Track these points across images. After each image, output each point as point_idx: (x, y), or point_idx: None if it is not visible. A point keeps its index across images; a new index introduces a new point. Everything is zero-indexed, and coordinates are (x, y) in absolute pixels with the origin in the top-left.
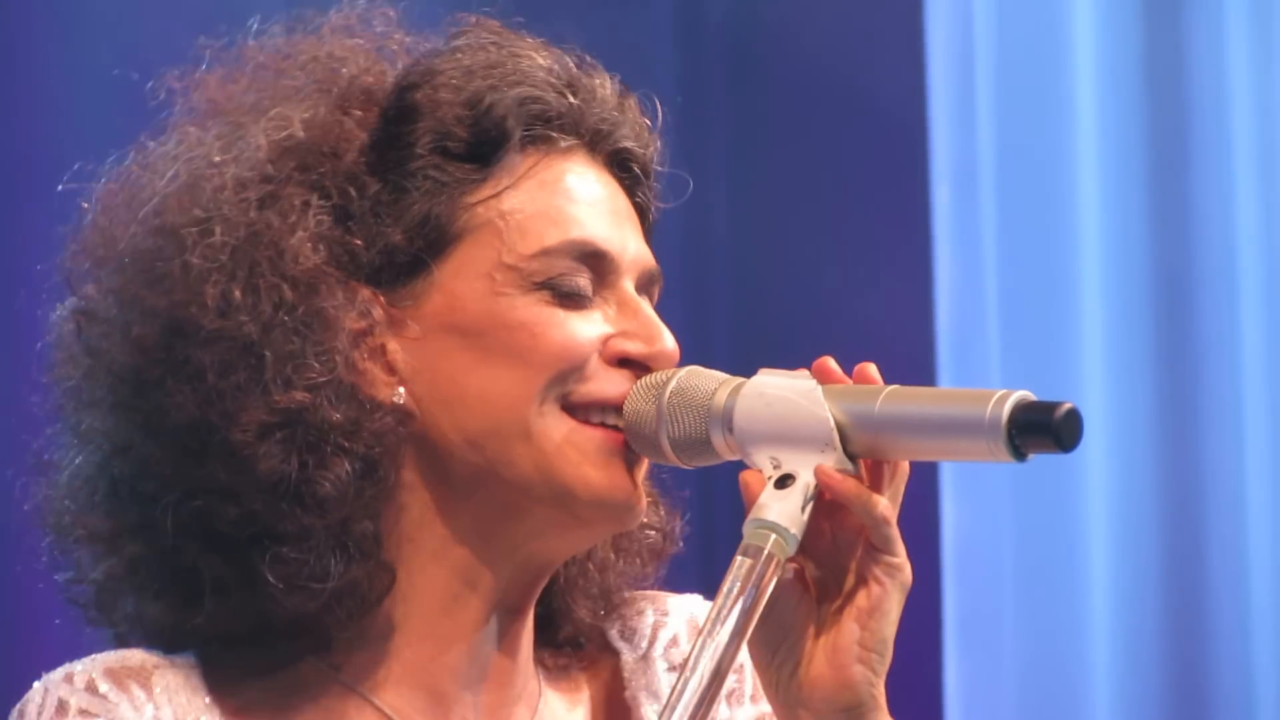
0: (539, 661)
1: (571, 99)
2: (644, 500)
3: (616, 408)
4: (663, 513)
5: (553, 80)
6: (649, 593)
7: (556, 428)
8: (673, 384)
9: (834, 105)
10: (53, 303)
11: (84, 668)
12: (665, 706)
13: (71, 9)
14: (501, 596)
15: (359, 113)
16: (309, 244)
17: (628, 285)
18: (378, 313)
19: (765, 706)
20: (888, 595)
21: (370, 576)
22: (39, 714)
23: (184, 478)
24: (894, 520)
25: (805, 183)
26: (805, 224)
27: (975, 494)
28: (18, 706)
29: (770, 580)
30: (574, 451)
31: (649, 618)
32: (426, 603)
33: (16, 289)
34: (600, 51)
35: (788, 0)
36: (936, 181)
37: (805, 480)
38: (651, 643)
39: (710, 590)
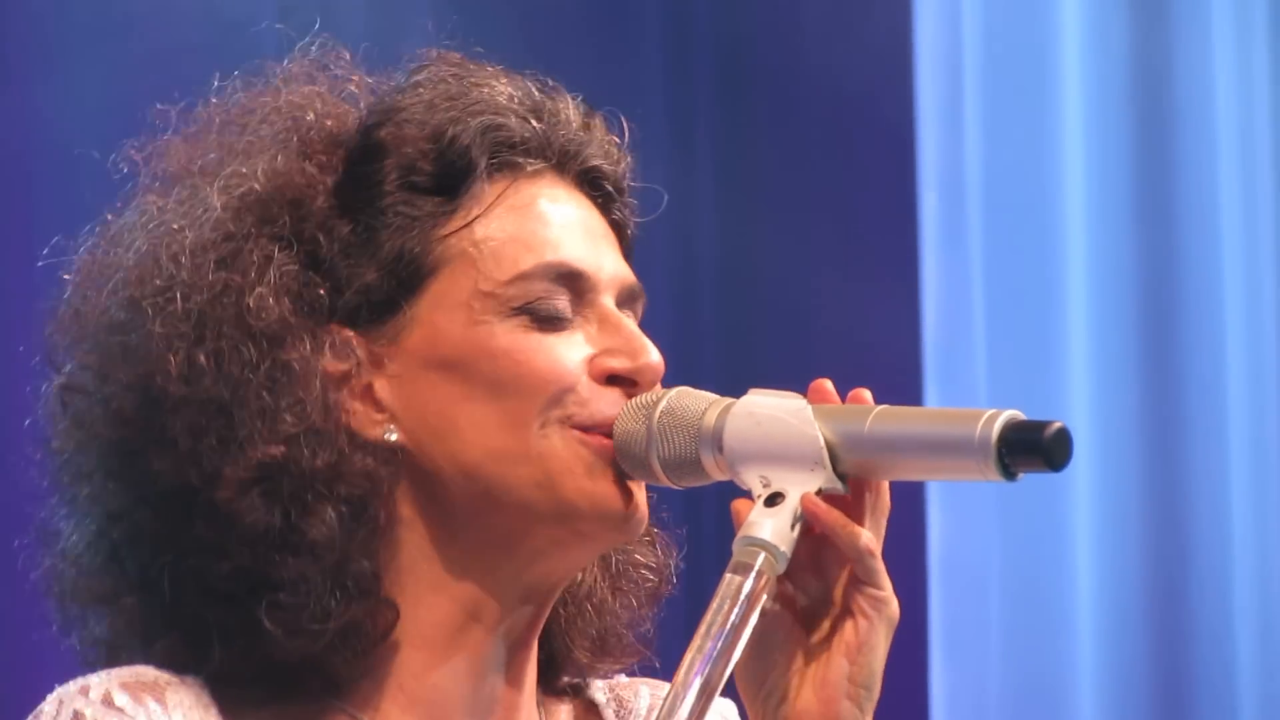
0: (541, 705)
1: (535, 123)
2: (645, 510)
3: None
4: (659, 553)
5: (514, 106)
6: (648, 680)
7: (564, 445)
8: (663, 404)
9: (822, 113)
10: (39, 379)
11: (100, 680)
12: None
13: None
14: (506, 627)
15: (323, 157)
16: (270, 298)
17: (607, 302)
18: (360, 353)
19: None
20: (874, 630)
21: (372, 614)
22: None
23: (175, 539)
24: (878, 553)
25: (793, 191)
26: (793, 232)
27: (961, 507)
28: (33, 714)
29: (760, 597)
30: (580, 466)
31: (644, 698)
32: (430, 635)
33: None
34: (588, 62)
35: (776, 7)
36: (924, 189)
37: (795, 499)
38: (644, 717)
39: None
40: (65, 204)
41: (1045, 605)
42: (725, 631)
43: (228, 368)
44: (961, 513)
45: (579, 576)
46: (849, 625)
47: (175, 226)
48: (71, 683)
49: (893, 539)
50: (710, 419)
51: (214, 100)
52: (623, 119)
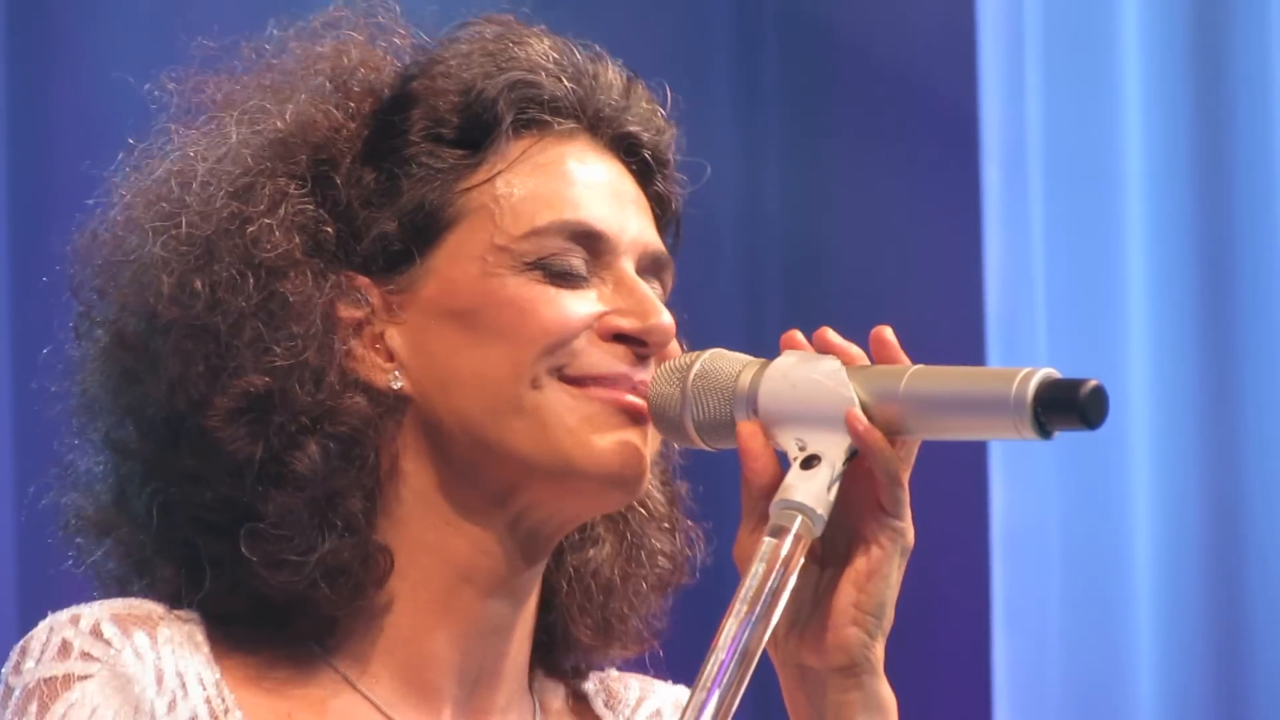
0: (535, 683)
1: (569, 83)
2: (647, 473)
3: (615, 386)
4: (678, 541)
5: (549, 65)
6: (639, 675)
7: (557, 399)
8: (697, 366)
9: (886, 88)
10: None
11: (92, 611)
12: (694, 687)
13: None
14: (497, 591)
15: (353, 105)
16: (279, 231)
17: (626, 265)
18: (375, 301)
19: None
20: (887, 559)
21: (362, 556)
22: (42, 651)
23: (164, 468)
24: (905, 484)
25: (857, 165)
26: (857, 206)
27: (1023, 476)
28: (20, 643)
29: (797, 561)
30: (574, 419)
31: (634, 691)
32: (421, 596)
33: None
34: (656, 35)
35: None
36: (987, 162)
37: (831, 461)
38: (635, 710)
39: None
40: (97, 133)
41: (1104, 572)
42: (764, 596)
43: (223, 294)
44: (1024, 482)
45: (588, 554)
46: (861, 553)
47: (192, 154)
48: (64, 611)
49: (956, 508)
50: (745, 381)
51: (257, 40)
52: (667, 89)
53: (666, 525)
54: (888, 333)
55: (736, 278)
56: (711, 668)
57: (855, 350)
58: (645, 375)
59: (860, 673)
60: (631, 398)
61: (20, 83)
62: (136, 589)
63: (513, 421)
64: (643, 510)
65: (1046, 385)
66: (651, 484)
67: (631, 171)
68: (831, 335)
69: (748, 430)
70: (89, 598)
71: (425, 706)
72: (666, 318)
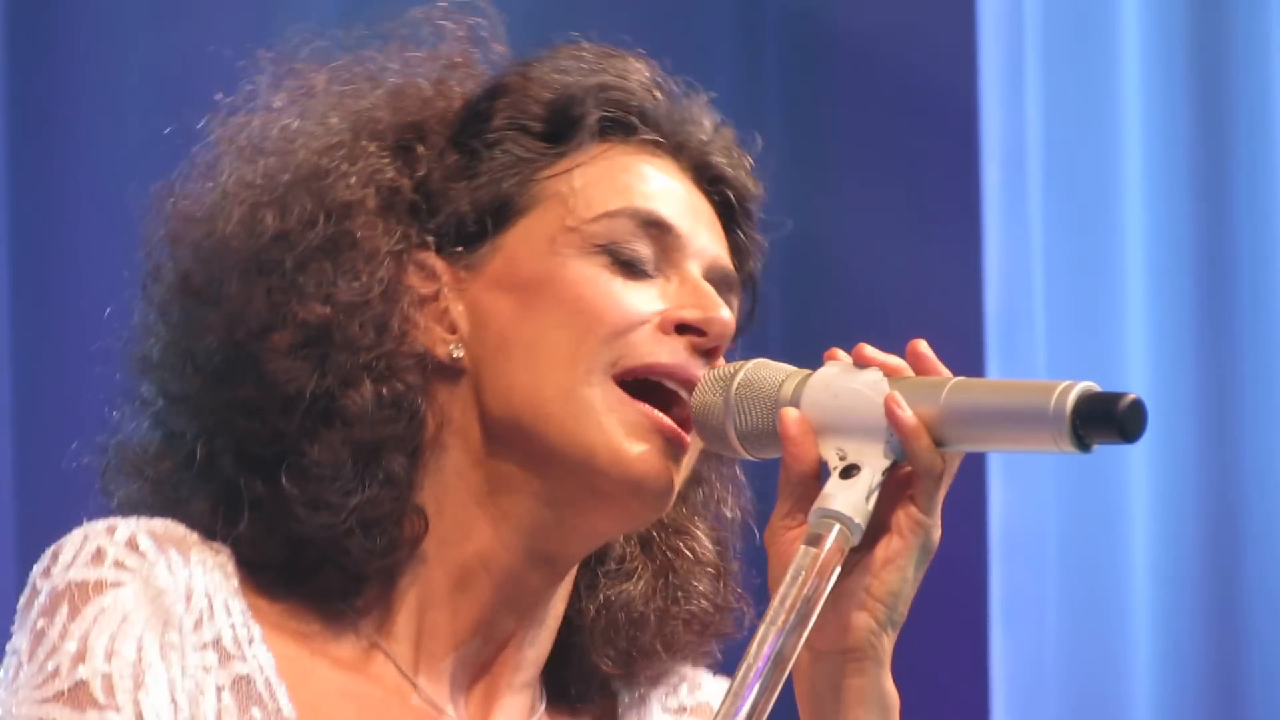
0: (544, 692)
1: (660, 97)
2: (672, 493)
3: (671, 378)
4: (721, 587)
5: (643, 79)
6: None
7: (603, 399)
8: (740, 376)
9: (887, 87)
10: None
11: (128, 524)
12: (727, 694)
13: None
14: (510, 586)
15: (445, 87)
16: (354, 179)
17: (692, 267)
18: (445, 277)
19: None
20: (907, 550)
21: (398, 513)
22: (74, 557)
23: (215, 399)
24: (940, 480)
25: (858, 164)
26: (857, 205)
27: (1021, 479)
28: (51, 548)
29: (833, 569)
30: (611, 420)
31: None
32: (439, 571)
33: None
34: (657, 30)
35: None
36: (987, 162)
37: (870, 471)
38: (651, 687)
39: None
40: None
41: (1103, 576)
42: (799, 604)
43: (292, 225)
44: (1021, 486)
45: (621, 586)
46: (882, 542)
47: (277, 112)
48: (100, 520)
49: (955, 512)
50: (787, 391)
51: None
52: (758, 137)
53: (712, 571)
54: (923, 346)
55: None
56: (745, 674)
57: (896, 362)
58: (701, 370)
59: (864, 659)
60: (674, 425)
61: (21, 79)
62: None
63: (551, 406)
64: (689, 553)
65: (1085, 398)
66: (699, 528)
67: (710, 201)
68: (870, 350)
69: (790, 415)
70: None
71: (437, 676)
72: (726, 313)
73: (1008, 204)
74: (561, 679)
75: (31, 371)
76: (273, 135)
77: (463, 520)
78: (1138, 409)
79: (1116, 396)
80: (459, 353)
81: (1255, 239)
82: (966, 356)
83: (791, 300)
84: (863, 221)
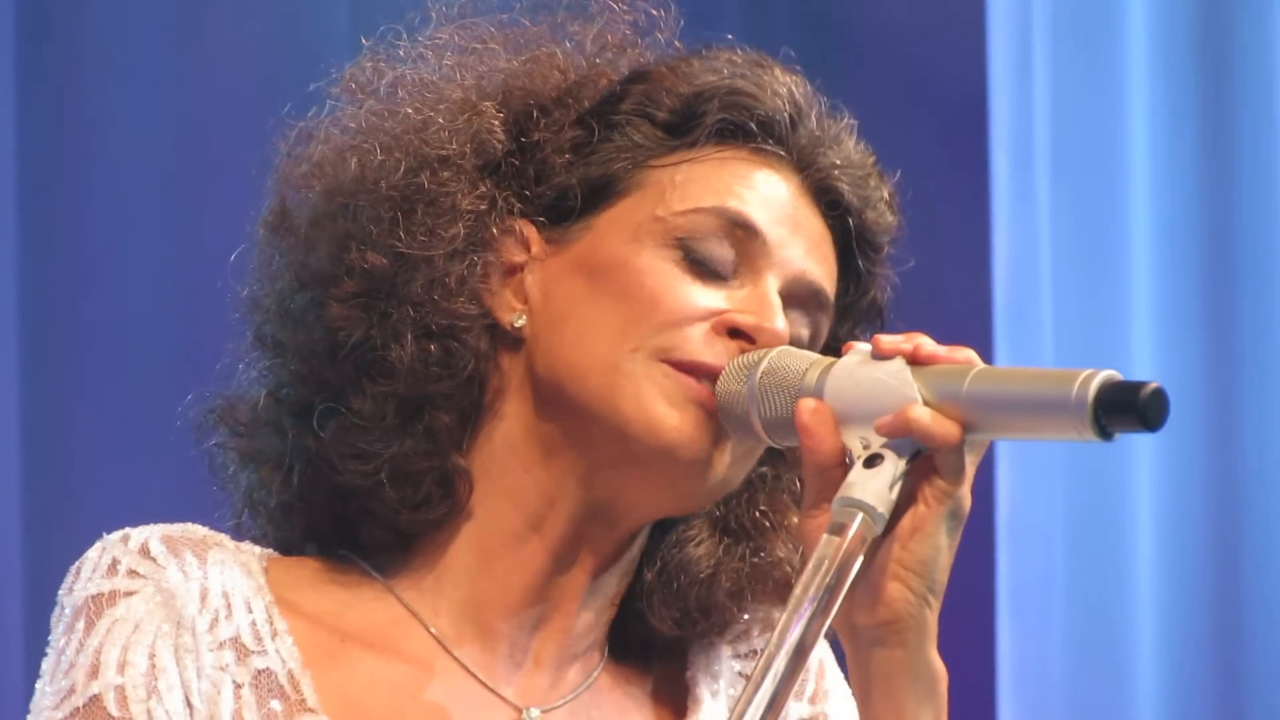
0: (607, 656)
1: (788, 109)
2: (709, 464)
3: (712, 379)
4: (800, 551)
5: (780, 90)
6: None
7: (643, 369)
8: (764, 364)
9: (895, 76)
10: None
11: (142, 532)
12: (749, 681)
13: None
14: (565, 548)
15: (584, 63)
16: (452, 134)
17: (770, 281)
18: (535, 249)
19: (822, 708)
20: (932, 518)
21: (440, 471)
22: (93, 571)
23: (279, 345)
24: (961, 445)
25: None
26: None
27: (1028, 466)
28: (76, 563)
29: (856, 558)
30: (648, 389)
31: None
32: (488, 536)
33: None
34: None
35: None
36: (995, 149)
37: (894, 460)
38: (720, 632)
39: None
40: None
41: (1108, 562)
42: (821, 593)
43: (369, 172)
44: (1028, 474)
45: (684, 551)
46: (909, 512)
47: (408, 70)
48: (117, 532)
49: None
50: (811, 379)
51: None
52: (898, 178)
53: (789, 537)
54: (927, 345)
55: None
56: (765, 662)
57: (912, 343)
58: None
59: (903, 631)
60: (713, 396)
61: (31, 77)
62: (238, 485)
63: (591, 375)
64: (765, 522)
65: (1107, 387)
66: (775, 501)
67: (829, 227)
68: (886, 340)
69: (806, 406)
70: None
71: (483, 644)
72: (781, 324)
73: (1016, 193)
74: (624, 642)
75: (39, 368)
76: (392, 84)
77: (511, 488)
78: (1159, 398)
79: (1138, 385)
80: (520, 322)
81: (1260, 224)
82: (975, 345)
83: None
84: None
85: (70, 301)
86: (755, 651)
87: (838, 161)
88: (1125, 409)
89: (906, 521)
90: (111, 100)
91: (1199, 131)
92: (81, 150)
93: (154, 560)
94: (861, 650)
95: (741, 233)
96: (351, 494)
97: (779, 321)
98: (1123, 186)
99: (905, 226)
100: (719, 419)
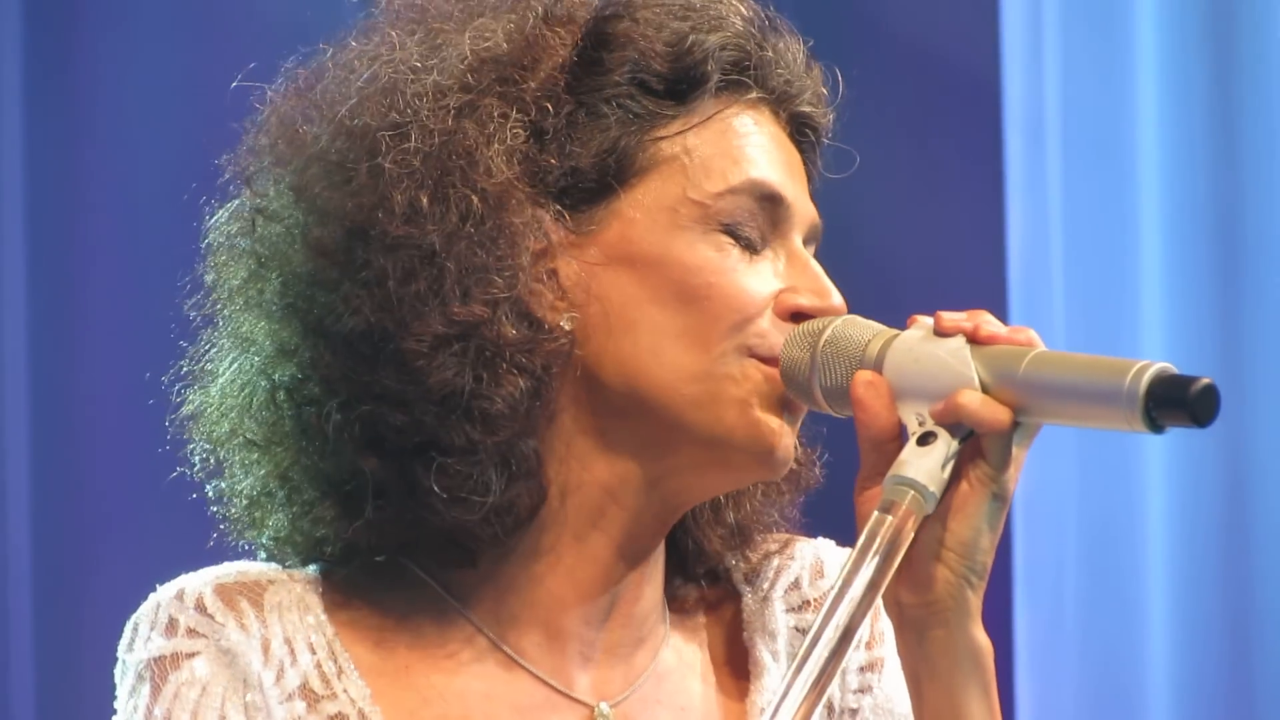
0: (669, 593)
1: (768, 53)
2: (792, 452)
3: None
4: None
5: (753, 31)
6: (780, 535)
7: (740, 371)
8: (828, 333)
9: (908, 58)
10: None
11: (196, 585)
12: (797, 659)
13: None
14: (628, 539)
15: (563, 31)
16: (503, 157)
17: (797, 240)
18: (557, 235)
19: (880, 652)
20: (974, 499)
21: (529, 493)
22: (150, 629)
23: (351, 383)
24: (1011, 429)
25: (880, 135)
26: (879, 175)
27: (1042, 447)
28: (133, 618)
29: (907, 537)
30: (750, 392)
31: (774, 561)
32: (552, 538)
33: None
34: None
35: None
36: (1009, 129)
37: (947, 439)
38: (773, 584)
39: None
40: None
41: (1121, 542)
42: (872, 572)
43: (450, 216)
44: (1043, 457)
45: None
46: (951, 492)
47: (418, 65)
48: (171, 584)
49: None
50: (872, 351)
51: None
52: (838, 74)
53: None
54: (989, 323)
55: None
56: (813, 640)
57: (981, 319)
58: None
59: (946, 610)
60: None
61: (39, 77)
62: (265, 514)
63: (685, 385)
64: None
65: (1159, 381)
66: None
67: (798, 147)
68: (949, 317)
69: (862, 379)
70: (99, 581)
71: (551, 646)
72: (840, 299)
73: (1029, 172)
74: (682, 585)
75: (47, 368)
76: (410, 90)
77: (571, 487)
78: (1209, 394)
79: (1189, 380)
80: (570, 325)
81: (1270, 203)
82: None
83: None
84: (884, 193)
85: (78, 296)
86: (807, 603)
87: (795, 79)
88: (1175, 403)
89: (949, 502)
90: (119, 96)
91: (1209, 110)
92: (89, 144)
93: (211, 617)
94: (907, 629)
95: (769, 204)
96: (438, 529)
97: (835, 297)
98: (1134, 165)
99: (921, 206)
100: (784, 386)
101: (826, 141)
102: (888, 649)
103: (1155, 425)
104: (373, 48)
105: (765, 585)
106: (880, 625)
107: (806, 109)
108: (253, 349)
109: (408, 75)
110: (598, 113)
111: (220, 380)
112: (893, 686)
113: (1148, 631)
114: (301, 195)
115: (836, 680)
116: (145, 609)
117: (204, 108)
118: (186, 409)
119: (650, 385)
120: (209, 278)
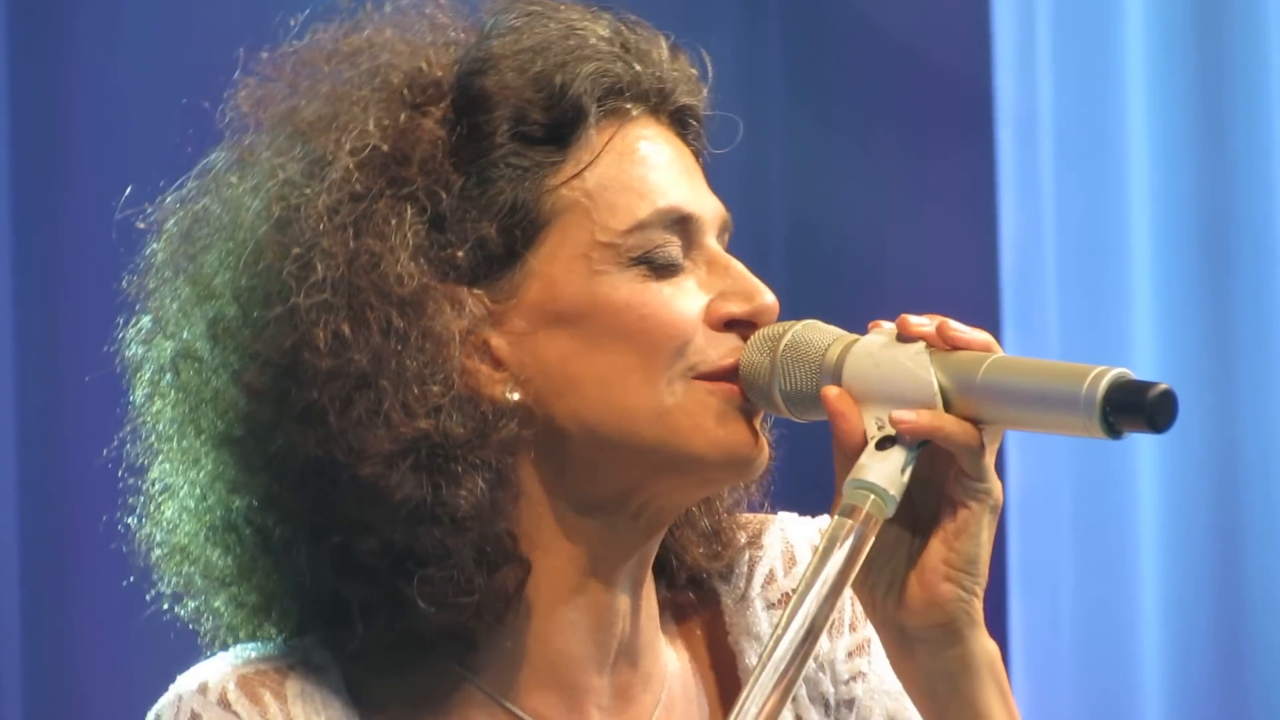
0: (662, 603)
1: (636, 66)
2: (766, 451)
3: (735, 372)
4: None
5: (615, 50)
6: (742, 518)
7: (693, 397)
8: (788, 337)
9: (898, 53)
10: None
11: (218, 676)
12: (758, 663)
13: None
14: (624, 574)
15: (432, 108)
16: (410, 260)
17: (712, 243)
18: (478, 310)
19: (864, 632)
20: (975, 517)
21: (514, 573)
22: None
23: (314, 515)
24: (981, 447)
25: (870, 131)
26: (869, 172)
27: (1036, 449)
28: (154, 710)
29: (867, 541)
30: (703, 413)
31: (745, 554)
32: (548, 597)
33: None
34: (659, 2)
35: None
36: (1001, 128)
37: (905, 443)
38: (749, 581)
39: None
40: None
41: (1114, 544)
42: (832, 574)
43: (373, 338)
44: (1036, 456)
45: None
46: (949, 514)
47: (304, 186)
48: (190, 677)
49: None
50: (832, 356)
51: (307, 39)
52: (703, 52)
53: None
54: (952, 326)
55: (741, 245)
56: (774, 643)
57: (934, 326)
58: None
59: (959, 627)
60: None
61: (25, 81)
62: (248, 634)
63: (645, 425)
64: None
65: (1116, 387)
66: None
67: (684, 140)
68: (913, 320)
69: (834, 393)
70: (96, 594)
71: (569, 705)
72: (770, 296)
73: (1021, 171)
74: (667, 593)
75: (35, 383)
76: (309, 215)
77: (555, 546)
78: (1167, 400)
79: (1146, 386)
80: (514, 395)
81: (1257, 203)
82: (981, 321)
83: (802, 270)
84: (874, 190)
85: (64, 296)
86: (787, 596)
87: (667, 77)
88: (1132, 409)
89: (949, 525)
90: (103, 90)
91: (1199, 110)
92: (73, 139)
93: (236, 715)
94: (917, 652)
95: (680, 225)
96: (424, 627)
97: (768, 296)
98: (1126, 165)
99: (912, 206)
100: (743, 391)
101: (708, 114)
102: (871, 629)
103: (1113, 431)
104: (253, 178)
105: (742, 584)
106: (859, 607)
107: (684, 101)
108: (195, 479)
109: (296, 200)
110: (488, 178)
111: (171, 516)
112: (883, 666)
113: (1141, 632)
114: (222, 340)
115: (827, 676)
116: (167, 702)
117: (191, 104)
118: (142, 534)
119: (611, 433)
120: (137, 397)
